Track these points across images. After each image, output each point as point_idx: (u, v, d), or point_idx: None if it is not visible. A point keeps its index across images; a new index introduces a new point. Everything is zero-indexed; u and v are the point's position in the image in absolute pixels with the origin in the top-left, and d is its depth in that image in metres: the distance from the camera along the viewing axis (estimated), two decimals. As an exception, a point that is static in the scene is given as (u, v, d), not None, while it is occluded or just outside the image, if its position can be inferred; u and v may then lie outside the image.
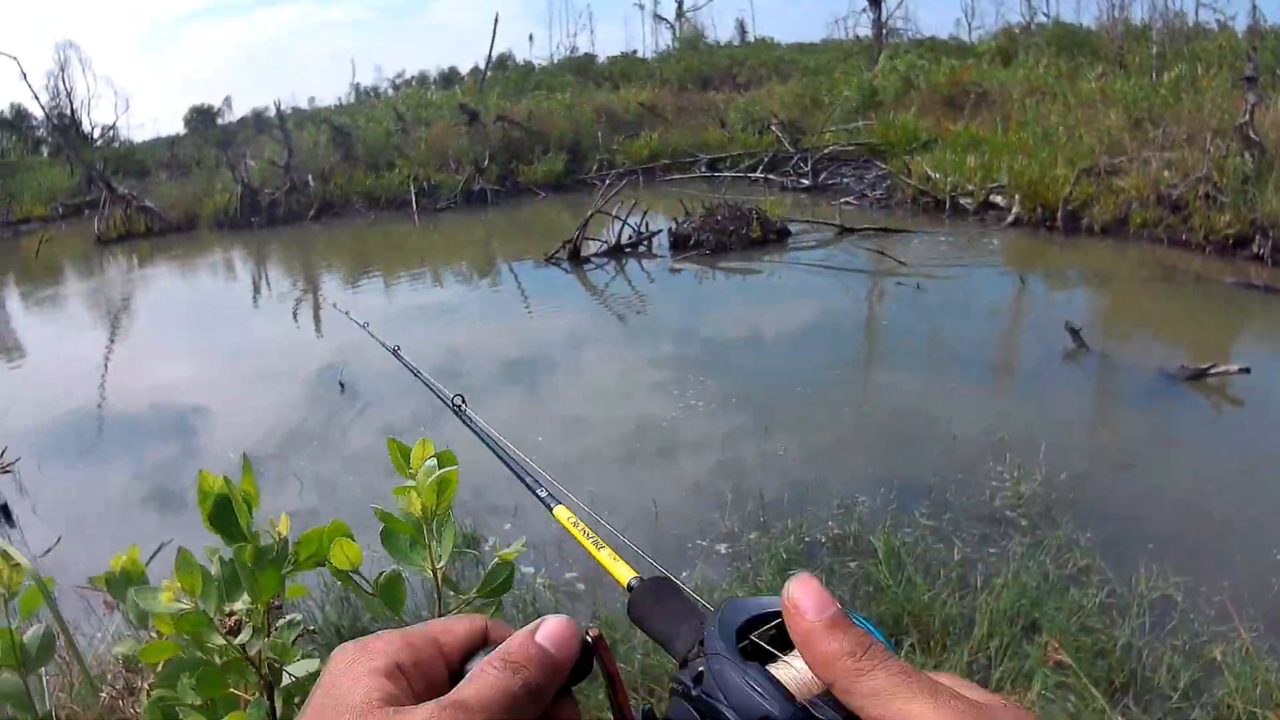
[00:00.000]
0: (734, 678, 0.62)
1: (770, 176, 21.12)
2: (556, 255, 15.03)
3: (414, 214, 22.34)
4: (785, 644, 0.65)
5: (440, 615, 1.36)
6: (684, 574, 5.57)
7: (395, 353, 2.44)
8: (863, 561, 5.33)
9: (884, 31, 30.55)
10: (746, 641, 0.66)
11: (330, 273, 18.11)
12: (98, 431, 9.70)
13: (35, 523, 7.51)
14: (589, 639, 0.68)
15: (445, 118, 25.92)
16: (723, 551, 5.90)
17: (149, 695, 1.65)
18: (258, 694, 1.52)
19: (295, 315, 14.38)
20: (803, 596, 0.62)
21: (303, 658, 1.56)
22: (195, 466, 6.81)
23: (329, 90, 38.32)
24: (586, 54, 39.56)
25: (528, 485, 1.27)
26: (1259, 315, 10.67)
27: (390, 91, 37.63)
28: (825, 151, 20.87)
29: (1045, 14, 29.51)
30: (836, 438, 7.63)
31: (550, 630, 0.66)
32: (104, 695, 1.73)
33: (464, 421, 1.63)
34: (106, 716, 1.75)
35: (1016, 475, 6.22)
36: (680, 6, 41.57)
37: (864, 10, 30.96)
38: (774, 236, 15.14)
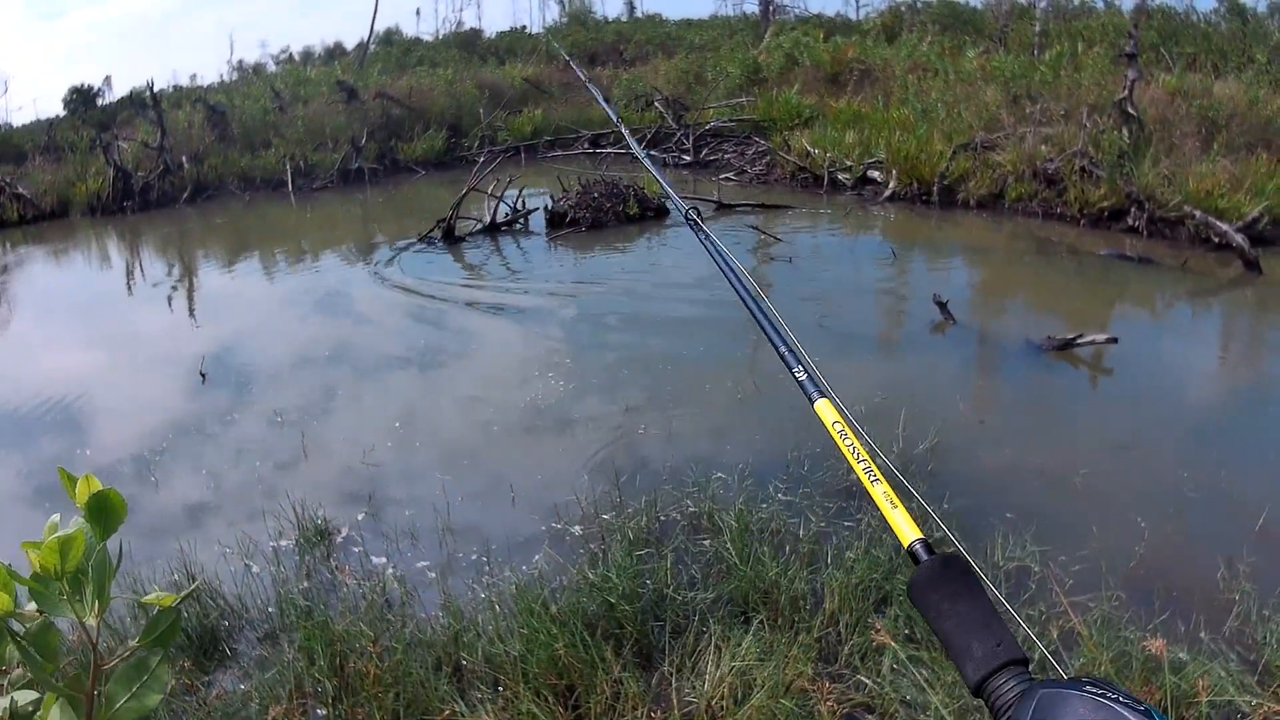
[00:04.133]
0: None
1: (653, 153, 20.86)
2: (431, 234, 14.62)
3: (290, 194, 21.73)
4: None
5: (98, 667, 1.40)
6: (535, 557, 5.37)
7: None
8: (714, 540, 5.14)
9: (771, 9, 30.49)
10: None
11: (207, 258, 17.43)
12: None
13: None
14: None
15: (323, 95, 25.22)
16: (577, 533, 5.69)
17: None
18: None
19: (167, 303, 13.75)
20: None
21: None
22: (52, 462, 6.32)
23: (212, 67, 36.80)
24: (473, 29, 38.78)
25: (787, 364, 1.09)
26: (1132, 286, 10.72)
27: (273, 68, 36.53)
28: (707, 128, 20.71)
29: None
30: (699, 415, 7.44)
31: None
32: None
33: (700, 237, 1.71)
34: None
35: (875, 447, 6.01)
36: (570, -20, 41.03)
37: (753, -13, 30.91)
38: (651, 213, 14.90)
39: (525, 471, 6.58)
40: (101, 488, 1.41)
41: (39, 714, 1.47)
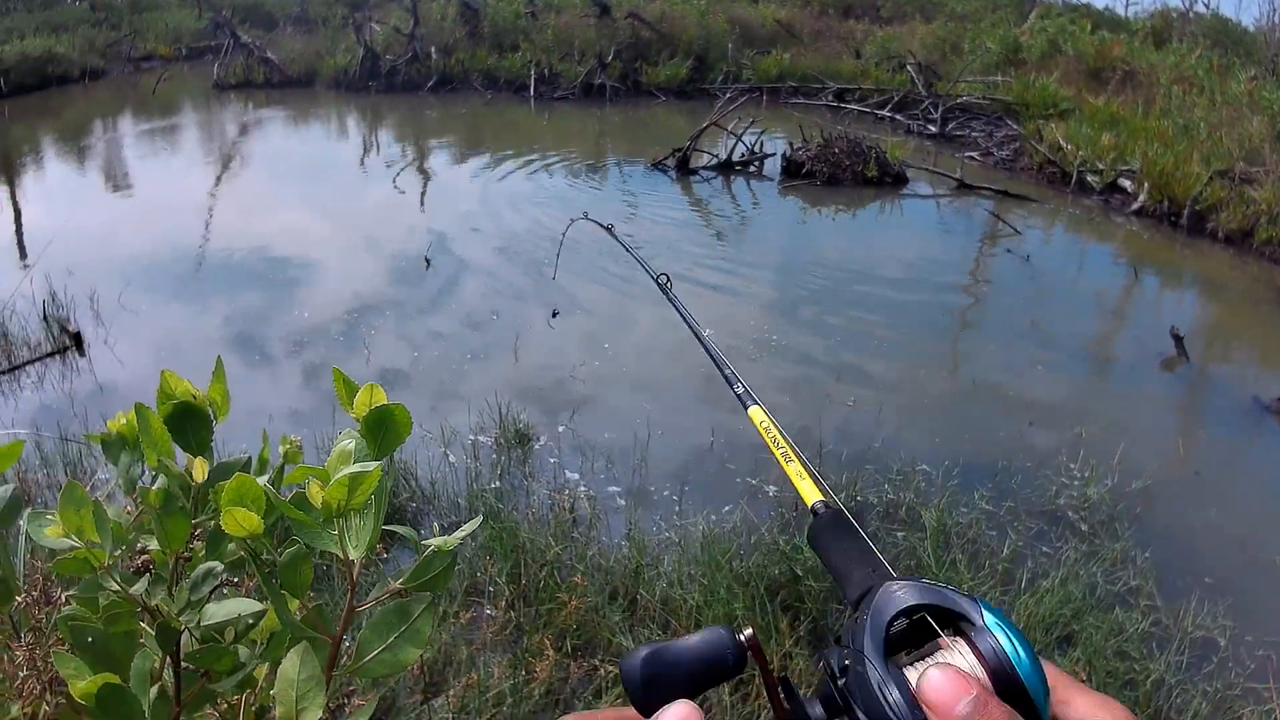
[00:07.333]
0: (871, 686, 0.62)
1: (897, 117, 20.44)
2: (664, 162, 14.85)
3: (531, 99, 22.29)
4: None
5: (352, 607, 1.24)
6: (725, 508, 5.56)
7: (610, 229, 2.81)
8: (909, 534, 5.23)
9: (1040, -11, 29.42)
10: (903, 621, 0.67)
11: (442, 147, 18.07)
12: (189, 272, 9.91)
13: (105, 355, 7.69)
14: (742, 640, 0.69)
15: (576, 7, 25.79)
16: (770, 493, 5.84)
17: (60, 610, 1.51)
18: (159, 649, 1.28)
19: (397, 184, 14.38)
20: (938, 699, 0.59)
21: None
22: (278, 320, 6.88)
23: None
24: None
25: (726, 378, 1.32)
26: (1368, 359, 10.19)
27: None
28: (958, 101, 20.18)
29: (1205, 3, 28.16)
30: (911, 399, 7.48)
31: None
32: (20, 599, 1.51)
33: (670, 300, 1.81)
34: (21, 619, 1.66)
35: (1087, 476, 6.02)
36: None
37: (1023, -35, 29.73)
38: (889, 179, 14.75)
39: (728, 419, 6.66)
40: (386, 400, 1.20)
41: (266, 648, 1.32)
